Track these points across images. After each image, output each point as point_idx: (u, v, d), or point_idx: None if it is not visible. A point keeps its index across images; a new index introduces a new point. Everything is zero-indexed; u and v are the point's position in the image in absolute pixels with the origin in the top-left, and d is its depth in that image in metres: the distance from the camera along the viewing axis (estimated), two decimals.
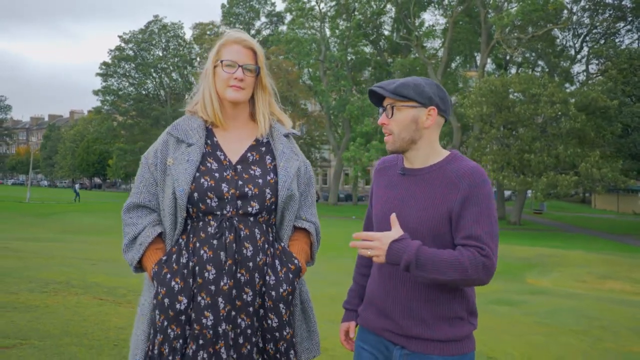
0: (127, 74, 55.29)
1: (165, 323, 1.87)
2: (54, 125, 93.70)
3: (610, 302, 9.96)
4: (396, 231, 1.83)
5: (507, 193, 46.63)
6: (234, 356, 1.88)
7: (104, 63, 54.26)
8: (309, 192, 2.18)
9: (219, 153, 2.03)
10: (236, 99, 2.03)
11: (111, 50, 54.67)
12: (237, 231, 1.92)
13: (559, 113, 29.68)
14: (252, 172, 2.01)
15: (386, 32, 47.34)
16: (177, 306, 1.86)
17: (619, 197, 50.06)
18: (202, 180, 1.94)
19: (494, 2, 36.14)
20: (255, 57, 2.07)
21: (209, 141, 2.05)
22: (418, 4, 40.62)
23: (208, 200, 1.93)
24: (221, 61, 2.03)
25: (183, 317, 1.87)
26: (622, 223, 37.60)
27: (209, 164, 1.99)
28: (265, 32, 55.52)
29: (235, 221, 1.93)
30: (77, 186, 49.25)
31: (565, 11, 36.13)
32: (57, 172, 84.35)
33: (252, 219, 1.97)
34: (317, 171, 60.80)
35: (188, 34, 55.27)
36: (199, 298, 1.88)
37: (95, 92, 53.70)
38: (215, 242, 1.90)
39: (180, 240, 1.96)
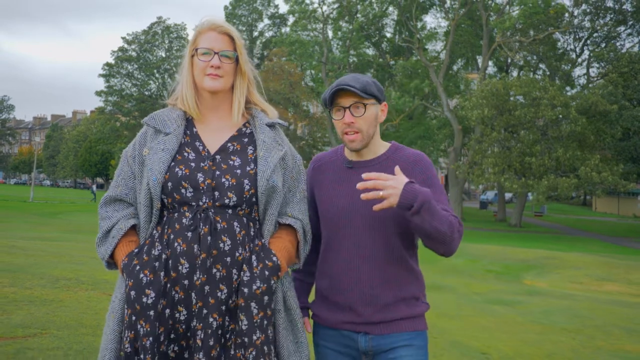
0: (130, 75, 55.55)
1: (134, 318, 1.78)
2: (56, 125, 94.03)
3: (604, 303, 10.16)
4: (402, 176, 1.83)
5: (508, 196, 46.79)
6: (203, 359, 1.76)
7: (107, 64, 54.53)
8: (298, 187, 2.06)
9: (197, 143, 1.95)
10: (213, 88, 1.95)
11: (114, 52, 54.97)
12: (212, 223, 1.83)
13: (560, 116, 29.89)
14: (231, 162, 1.92)
15: (388, 35, 47.52)
16: (144, 299, 1.77)
17: (619, 200, 50.17)
18: (177, 169, 1.87)
19: (495, 6, 36.35)
20: (233, 43, 1.98)
21: (188, 131, 1.98)
22: (420, 7, 40.80)
23: (182, 190, 1.85)
24: (197, 49, 1.95)
25: (152, 312, 1.77)
26: (622, 226, 37.74)
27: (186, 154, 1.91)
28: (268, 34, 55.81)
29: (211, 213, 1.84)
30: (94, 187, 49.74)
31: (567, 14, 36.30)
32: (60, 172, 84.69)
33: (230, 211, 1.87)
34: None
35: (191, 35, 55.37)
36: (173, 292, 1.80)
37: (98, 93, 53.99)
38: (189, 234, 1.81)
39: (155, 232, 1.88)
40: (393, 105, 37.41)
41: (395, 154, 2.05)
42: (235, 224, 1.86)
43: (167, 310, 1.79)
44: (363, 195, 1.81)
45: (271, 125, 2.04)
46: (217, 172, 1.88)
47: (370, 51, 48.08)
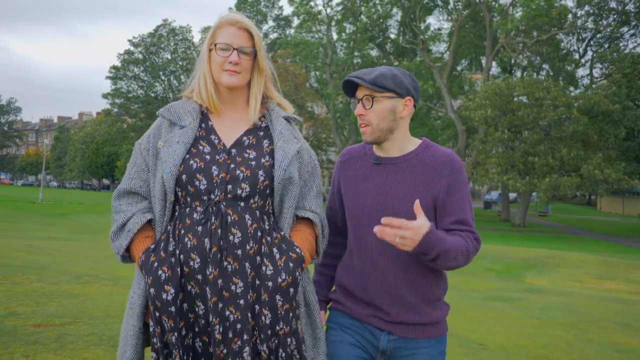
0: (137, 77, 56.10)
1: (157, 314, 1.79)
2: (63, 127, 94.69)
3: (602, 300, 10.47)
4: (424, 221, 1.77)
5: (512, 196, 46.99)
6: (224, 352, 1.77)
7: (114, 67, 55.09)
8: (314, 182, 2.05)
9: (213, 137, 1.94)
10: (231, 84, 1.94)
11: (120, 54, 55.49)
12: (223, 216, 1.81)
13: (563, 116, 30.18)
14: (246, 155, 1.90)
15: (392, 36, 47.86)
16: (164, 296, 1.77)
17: (624, 200, 50.33)
18: (192, 162, 1.85)
19: (499, 7, 36.64)
20: (251, 39, 1.97)
21: (203, 124, 1.97)
22: (424, 8, 41.10)
23: (197, 183, 1.84)
24: (215, 44, 1.93)
25: (172, 308, 1.77)
26: (626, 226, 37.93)
27: (201, 147, 1.90)
28: (272, 36, 56.19)
29: (222, 206, 1.82)
30: None
31: (570, 15, 36.56)
32: (67, 174, 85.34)
33: (242, 204, 1.85)
34: (323, 173, 61.28)
35: (196, 37, 55.88)
36: (189, 287, 1.80)
37: (105, 96, 54.56)
38: (199, 228, 1.81)
39: (169, 227, 1.87)
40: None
41: (425, 152, 1.98)
42: (247, 216, 1.84)
43: (185, 305, 1.80)
44: (377, 231, 1.76)
45: (287, 119, 2.04)
46: (232, 165, 1.87)
47: (375, 52, 48.39)
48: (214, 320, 1.76)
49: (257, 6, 54.99)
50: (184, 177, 1.84)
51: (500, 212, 42.03)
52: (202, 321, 1.80)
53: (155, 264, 1.80)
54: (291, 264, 1.85)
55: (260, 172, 1.87)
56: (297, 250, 1.89)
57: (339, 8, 45.27)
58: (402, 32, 46.35)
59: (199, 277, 1.78)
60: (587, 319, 7.98)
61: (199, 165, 1.85)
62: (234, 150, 1.91)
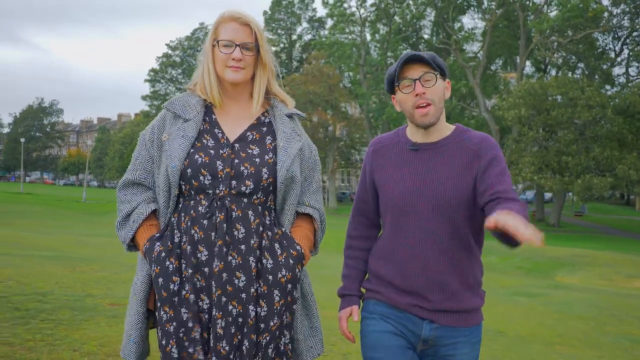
0: (174, 80, 57.58)
1: (158, 304, 1.83)
2: (104, 128, 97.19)
3: (627, 297, 10.70)
4: (506, 214, 1.57)
5: (547, 195, 46.62)
6: (227, 348, 1.78)
7: (152, 69, 56.69)
8: (314, 178, 2.07)
9: (217, 131, 1.95)
10: (235, 80, 1.95)
11: (159, 57, 57.03)
12: (228, 211, 1.84)
13: (598, 116, 30.00)
14: (250, 151, 1.92)
15: (426, 36, 47.98)
16: (171, 286, 1.81)
17: None
18: (197, 156, 1.87)
19: (533, 6, 36.50)
20: (254, 33, 1.97)
21: (207, 118, 1.98)
22: (457, 8, 41.14)
23: (201, 177, 1.85)
24: (218, 41, 1.94)
25: (176, 299, 1.81)
26: None
27: (205, 141, 1.91)
28: (306, 37, 56.88)
29: (227, 201, 1.85)
30: None
31: (605, 14, 36.17)
32: (107, 174, 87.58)
33: (245, 199, 1.87)
34: (357, 172, 61.73)
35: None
36: (195, 279, 1.82)
37: (144, 98, 56.16)
38: (205, 222, 1.83)
39: (173, 219, 1.90)
40: None
41: (461, 136, 1.96)
42: (250, 212, 1.86)
43: (192, 296, 1.81)
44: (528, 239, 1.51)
45: (290, 116, 2.05)
46: (236, 161, 1.88)
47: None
48: (216, 314, 1.78)
49: (291, 8, 55.74)
50: (188, 171, 1.85)
51: (535, 211, 41.81)
52: (206, 316, 1.81)
53: (163, 254, 1.83)
54: (291, 261, 1.89)
55: (264, 170, 1.89)
56: (298, 247, 1.92)
57: (373, 9, 45.60)
58: (435, 32, 46.43)
59: (206, 269, 1.81)
60: (608, 313, 8.30)
61: (203, 159, 1.86)
62: (237, 145, 1.92)
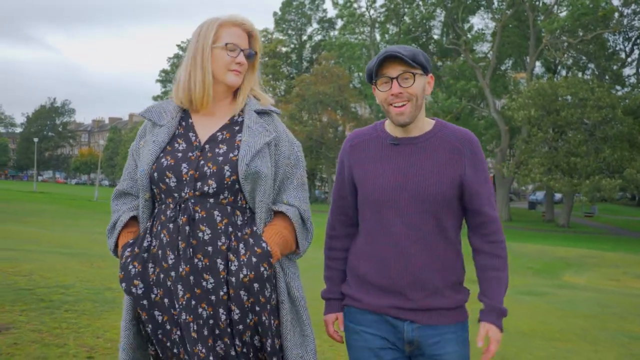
0: None
1: (136, 307, 1.88)
2: (115, 128, 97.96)
3: (632, 297, 10.80)
4: (490, 327, 1.91)
5: (558, 196, 46.56)
6: (203, 351, 1.78)
7: (163, 70, 57.22)
8: (295, 174, 2.00)
9: (190, 134, 1.95)
10: (235, 84, 1.97)
11: (170, 58, 57.48)
12: (191, 213, 1.82)
13: (608, 117, 29.98)
14: (217, 150, 1.90)
15: (435, 36, 48.06)
16: (133, 290, 1.83)
17: None
18: (163, 160, 1.88)
19: (543, 6, 36.50)
20: (252, 40, 2.01)
21: (183, 123, 1.98)
22: (467, 8, 41.19)
23: (167, 180, 1.86)
24: (226, 44, 1.93)
25: (145, 302, 1.84)
26: None
27: (177, 145, 1.92)
28: (316, 38, 57.12)
29: (190, 203, 1.83)
30: None
31: (616, 14, 36.11)
32: (118, 173, 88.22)
33: (211, 200, 1.84)
34: None
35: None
36: (169, 283, 1.83)
37: (155, 98, 56.60)
38: (171, 225, 1.83)
39: (148, 223, 1.93)
40: (440, 107, 38.08)
41: (443, 131, 1.93)
42: (216, 212, 1.83)
43: (166, 300, 1.83)
44: None
45: (262, 112, 2.01)
46: (202, 162, 1.87)
47: None
48: (187, 317, 1.78)
49: (301, 9, 56.04)
50: (155, 174, 1.87)
51: (544, 212, 41.78)
52: (180, 319, 1.82)
53: (129, 259, 1.86)
54: (254, 259, 1.81)
55: (227, 167, 1.85)
56: (264, 245, 1.84)
57: (382, 10, 45.74)
58: (445, 32, 46.50)
59: (173, 273, 1.80)
60: (610, 311, 8.45)
61: (169, 162, 1.87)
62: (207, 146, 1.91)
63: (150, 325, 1.84)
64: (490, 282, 1.93)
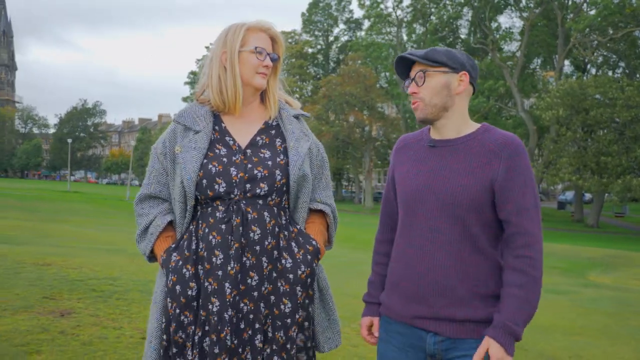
0: None
1: (178, 310, 1.89)
2: (145, 128, 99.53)
3: None
4: (490, 343, 1.71)
5: (588, 196, 46.04)
6: (235, 342, 1.86)
7: (192, 72, 58.08)
8: (323, 175, 2.14)
9: (227, 138, 2.01)
10: (262, 86, 2.04)
11: (198, 60, 58.33)
12: (244, 215, 1.90)
13: (638, 116, 29.66)
14: (261, 155, 1.98)
15: (463, 36, 47.92)
16: (189, 292, 1.88)
17: None
18: (210, 166, 1.93)
19: (572, 4, 36.20)
20: (276, 44, 2.10)
21: (216, 127, 2.04)
22: (494, 7, 40.99)
23: (216, 186, 1.91)
24: (255, 47, 2.00)
25: (195, 304, 1.90)
26: None
27: (217, 150, 1.97)
28: (343, 39, 57.40)
29: (242, 204, 1.91)
30: None
31: None
32: None
33: (260, 201, 1.93)
34: None
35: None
36: (207, 284, 1.88)
37: (184, 99, 57.59)
38: (223, 226, 1.89)
39: (191, 227, 1.96)
40: (468, 106, 37.94)
41: (484, 134, 1.86)
42: (266, 213, 1.92)
43: (200, 301, 1.89)
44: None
45: (297, 117, 2.12)
46: (250, 165, 1.94)
47: None
48: (231, 312, 1.85)
49: (328, 10, 56.40)
50: (204, 181, 1.91)
51: (573, 212, 41.39)
52: (215, 318, 1.86)
53: (180, 263, 1.91)
54: (309, 257, 1.97)
55: (277, 172, 1.95)
56: (314, 242, 2.00)
57: (409, 10, 45.79)
58: (472, 31, 46.35)
59: (219, 273, 1.86)
60: (633, 309, 8.53)
61: (217, 169, 1.93)
62: (249, 151, 1.99)
63: (193, 327, 1.89)
64: (508, 300, 1.74)
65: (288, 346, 1.90)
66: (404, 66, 1.93)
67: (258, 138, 2.02)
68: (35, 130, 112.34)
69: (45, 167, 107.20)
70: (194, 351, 1.87)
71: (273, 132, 2.06)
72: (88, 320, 3.87)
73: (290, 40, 55.65)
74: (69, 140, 61.85)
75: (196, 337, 1.87)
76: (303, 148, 2.02)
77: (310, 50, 57.29)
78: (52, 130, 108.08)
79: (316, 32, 57.34)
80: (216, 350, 1.83)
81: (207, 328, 1.86)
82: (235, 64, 1.99)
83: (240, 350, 1.86)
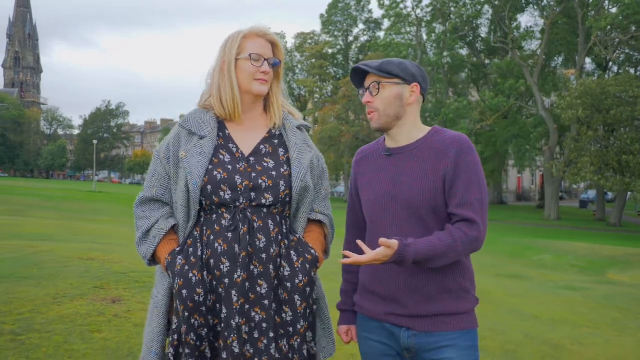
0: None
1: (187, 314, 1.90)
2: (167, 129, 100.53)
3: None
4: (384, 250, 1.79)
5: (611, 195, 45.73)
6: (251, 351, 1.87)
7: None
8: (322, 185, 2.16)
9: (231, 145, 2.02)
10: (262, 92, 2.03)
11: None
12: (250, 223, 1.91)
13: None
14: (265, 164, 1.99)
15: (483, 35, 47.85)
16: (196, 297, 1.89)
17: None
18: (215, 172, 1.93)
19: (594, 2, 36.04)
20: (275, 49, 2.08)
21: (221, 134, 2.04)
22: (514, 6, 40.91)
23: (221, 193, 1.92)
24: (250, 54, 2.00)
25: (204, 308, 1.90)
26: None
27: (221, 157, 1.98)
28: (363, 39, 57.62)
29: (248, 213, 1.92)
30: None
31: None
32: None
33: (265, 210, 1.95)
34: None
35: (290, 43, 58.05)
36: (220, 290, 1.89)
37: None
38: (230, 234, 1.90)
39: (195, 232, 1.96)
40: (487, 105, 38.09)
41: (433, 137, 1.97)
42: (270, 222, 1.95)
43: (217, 305, 1.92)
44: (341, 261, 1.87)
45: (299, 128, 2.13)
46: (254, 174, 1.96)
47: (464, 51, 48.48)
48: (240, 321, 1.86)
49: (347, 10, 56.62)
50: (209, 187, 1.93)
51: (595, 211, 41.15)
52: (222, 325, 1.89)
53: (186, 267, 1.91)
54: (307, 265, 1.98)
55: (282, 182, 1.98)
56: (313, 251, 2.02)
57: (429, 9, 45.84)
58: (493, 30, 46.26)
59: (226, 280, 1.89)
60: None
61: (222, 175, 1.94)
62: (252, 159, 2.00)
63: (205, 329, 1.91)
64: (426, 239, 1.84)
65: (290, 355, 1.94)
66: (359, 76, 2.04)
67: (262, 147, 2.05)
68: (60, 132, 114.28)
69: (70, 168, 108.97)
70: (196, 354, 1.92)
71: (276, 141, 2.08)
72: (136, 306, 4.33)
73: (310, 41, 56.14)
74: (95, 142, 62.89)
75: (204, 344, 1.92)
76: (306, 160, 2.05)
77: (330, 50, 57.59)
78: (76, 132, 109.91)
79: (336, 33, 57.62)
80: (224, 356, 1.88)
81: (212, 335, 1.93)
82: (232, 72, 2.01)
83: (256, 359, 1.88)
